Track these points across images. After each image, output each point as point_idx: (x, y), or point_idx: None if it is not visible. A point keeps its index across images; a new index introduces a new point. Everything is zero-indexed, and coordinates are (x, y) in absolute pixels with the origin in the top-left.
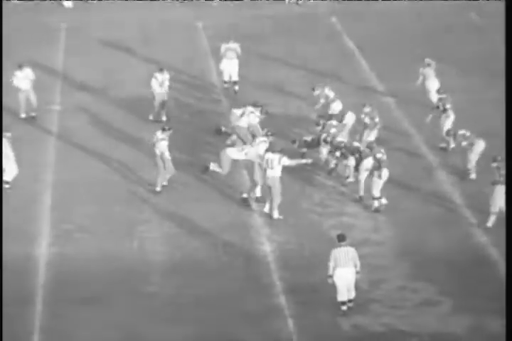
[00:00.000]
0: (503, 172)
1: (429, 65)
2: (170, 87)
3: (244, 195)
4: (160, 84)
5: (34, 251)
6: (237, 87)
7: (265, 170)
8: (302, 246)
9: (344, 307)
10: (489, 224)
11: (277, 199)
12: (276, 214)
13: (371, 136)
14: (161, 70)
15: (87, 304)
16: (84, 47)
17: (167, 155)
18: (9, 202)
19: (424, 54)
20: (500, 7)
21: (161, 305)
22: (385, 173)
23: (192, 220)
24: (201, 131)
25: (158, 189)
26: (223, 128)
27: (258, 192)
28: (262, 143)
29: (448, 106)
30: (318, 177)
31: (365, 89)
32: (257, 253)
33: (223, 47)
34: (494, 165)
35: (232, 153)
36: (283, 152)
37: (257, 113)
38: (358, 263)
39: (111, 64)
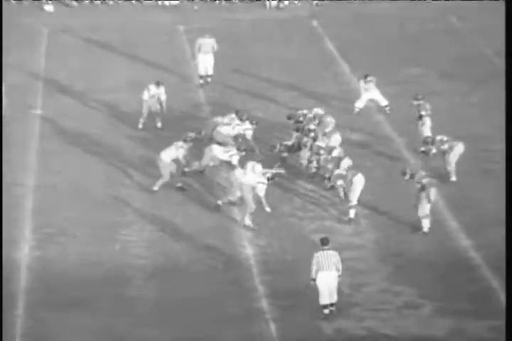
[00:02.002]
0: (419, 178)
1: (371, 81)
2: (161, 100)
3: (219, 202)
4: (150, 97)
5: (16, 254)
6: (209, 79)
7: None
8: (284, 250)
9: (326, 311)
10: (425, 229)
11: (248, 207)
12: (247, 221)
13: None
14: (157, 84)
15: (69, 308)
16: (65, 51)
17: (183, 161)
18: None
19: (405, 57)
20: (480, 11)
21: (143, 308)
22: (358, 180)
23: (174, 224)
24: (181, 135)
25: (179, 184)
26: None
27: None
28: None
29: (423, 112)
30: (300, 181)
31: (347, 92)
32: (239, 256)
33: (199, 41)
34: (406, 177)
35: (218, 151)
36: (261, 162)
37: (246, 125)
38: (340, 267)
39: (93, 67)
